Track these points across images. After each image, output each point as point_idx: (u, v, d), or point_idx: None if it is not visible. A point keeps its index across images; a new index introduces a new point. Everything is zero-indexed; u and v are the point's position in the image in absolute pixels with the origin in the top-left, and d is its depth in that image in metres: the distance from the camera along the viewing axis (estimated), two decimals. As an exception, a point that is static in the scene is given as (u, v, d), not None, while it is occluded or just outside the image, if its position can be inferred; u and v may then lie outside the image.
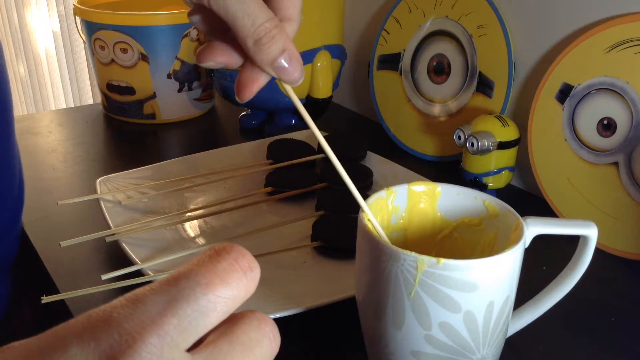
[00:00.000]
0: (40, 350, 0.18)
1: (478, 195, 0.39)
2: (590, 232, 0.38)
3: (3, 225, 0.57)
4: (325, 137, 0.73)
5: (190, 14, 0.33)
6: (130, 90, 0.86)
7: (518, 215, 0.37)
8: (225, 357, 0.19)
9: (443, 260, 0.30)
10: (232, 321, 0.21)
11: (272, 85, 0.77)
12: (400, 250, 0.32)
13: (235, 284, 0.20)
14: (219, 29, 0.33)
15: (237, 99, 0.34)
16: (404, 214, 0.41)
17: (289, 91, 0.33)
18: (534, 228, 0.36)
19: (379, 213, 0.39)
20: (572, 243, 0.64)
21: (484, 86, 0.73)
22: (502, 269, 0.32)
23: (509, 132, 0.66)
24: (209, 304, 0.19)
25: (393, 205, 0.40)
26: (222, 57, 0.33)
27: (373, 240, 0.33)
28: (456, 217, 0.41)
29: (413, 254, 0.31)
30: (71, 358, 0.17)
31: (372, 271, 0.34)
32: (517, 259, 0.34)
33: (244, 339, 0.20)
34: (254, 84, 0.33)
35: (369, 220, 0.36)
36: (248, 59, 0.32)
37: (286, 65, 0.31)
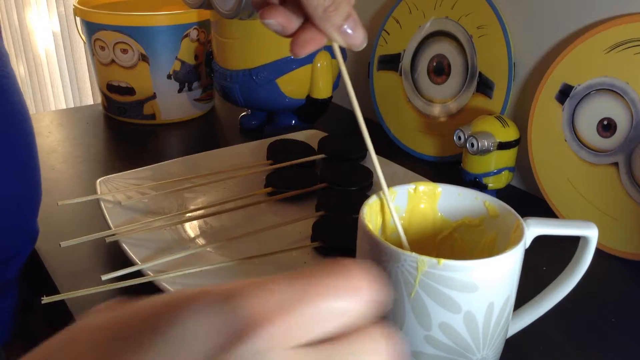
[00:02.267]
0: (154, 313, 0.18)
1: (478, 195, 0.39)
2: (591, 233, 0.38)
3: (23, 241, 0.57)
4: (325, 138, 0.73)
5: (262, 16, 0.34)
6: (130, 91, 0.86)
7: (518, 216, 0.37)
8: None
9: (443, 261, 0.30)
10: (355, 329, 0.20)
11: (272, 86, 0.78)
12: (400, 250, 0.31)
13: (364, 305, 0.19)
14: (291, 22, 0.35)
15: (291, 53, 0.36)
16: (404, 215, 0.41)
17: (341, 66, 0.37)
18: (535, 229, 0.36)
19: (379, 213, 0.39)
20: (573, 244, 0.64)
21: (484, 87, 0.73)
22: (503, 270, 0.32)
23: (509, 133, 0.66)
24: (334, 312, 0.19)
25: (394, 206, 0.40)
26: (283, 19, 0.35)
27: (373, 241, 0.33)
28: (456, 218, 0.41)
29: (413, 254, 0.31)
30: (187, 330, 0.17)
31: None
32: (517, 259, 0.34)
33: (356, 350, 0.19)
34: (312, 44, 0.35)
35: (369, 221, 0.36)
36: (309, 21, 0.34)
37: (350, 31, 0.34)
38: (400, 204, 0.40)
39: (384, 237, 0.39)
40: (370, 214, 0.38)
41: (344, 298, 0.19)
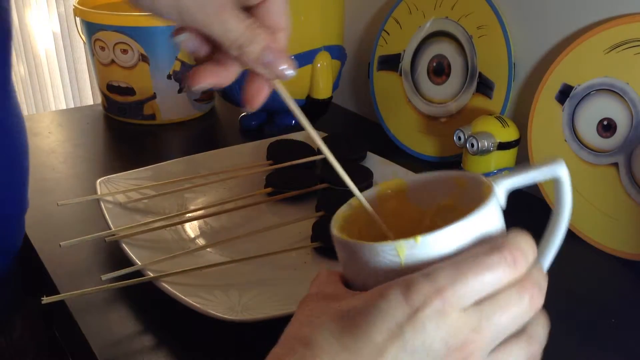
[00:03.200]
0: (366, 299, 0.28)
1: (442, 174, 0.38)
2: (561, 172, 0.35)
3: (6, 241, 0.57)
4: (325, 138, 0.73)
5: (175, 34, 0.34)
6: (130, 91, 0.86)
7: (486, 178, 0.35)
8: (485, 313, 0.27)
9: (420, 238, 0.29)
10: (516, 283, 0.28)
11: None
12: (375, 243, 0.30)
13: (498, 273, 0.27)
14: (204, 47, 0.34)
15: (246, 109, 0.36)
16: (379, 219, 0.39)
17: (282, 93, 0.34)
18: (504, 182, 0.35)
19: (355, 224, 0.37)
20: (573, 244, 0.64)
21: (484, 87, 0.73)
22: (480, 229, 0.30)
23: (509, 133, 0.66)
24: (478, 285, 0.27)
25: (364, 214, 0.38)
26: (212, 78, 0.35)
27: (347, 245, 0.32)
28: (430, 204, 0.39)
29: (388, 242, 0.30)
30: (391, 303, 0.27)
31: (360, 277, 0.32)
32: (492, 216, 0.31)
33: (502, 301, 0.27)
34: (259, 94, 0.36)
35: (340, 230, 0.34)
36: (251, 72, 0.35)
37: (272, 59, 0.34)
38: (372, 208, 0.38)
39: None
40: (342, 224, 0.36)
41: (495, 271, 0.27)
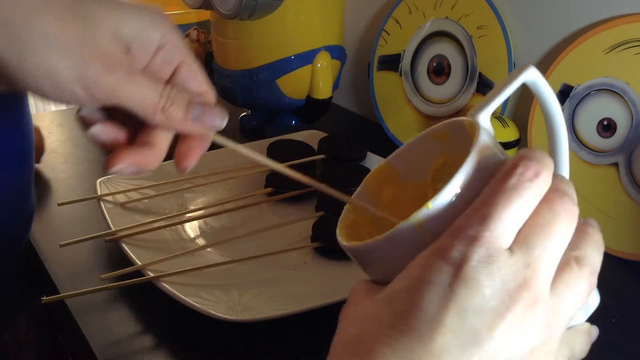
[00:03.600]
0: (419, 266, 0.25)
1: (421, 137, 0.35)
2: (532, 75, 0.32)
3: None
4: (325, 138, 0.73)
5: (85, 127, 0.31)
6: (130, 91, 0.86)
7: (464, 118, 0.32)
8: (530, 243, 0.25)
9: (430, 203, 0.27)
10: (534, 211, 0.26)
11: (272, 87, 0.78)
12: (390, 231, 0.28)
13: (526, 193, 0.25)
14: (120, 132, 0.32)
15: (179, 170, 0.34)
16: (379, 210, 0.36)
17: (222, 141, 0.33)
18: (483, 112, 0.32)
19: (361, 227, 0.35)
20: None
21: (484, 87, 0.73)
22: (483, 167, 0.28)
23: (509, 133, 0.66)
24: (511, 214, 0.25)
25: (365, 212, 0.35)
26: (134, 159, 0.32)
27: (364, 248, 0.29)
28: (425, 174, 0.36)
29: (403, 222, 0.27)
30: (431, 269, 0.25)
31: (390, 270, 0.29)
32: (487, 149, 0.29)
33: (542, 223, 0.25)
34: (193, 152, 0.34)
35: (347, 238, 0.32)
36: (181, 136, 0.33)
37: (200, 111, 0.32)
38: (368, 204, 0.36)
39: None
40: (348, 232, 0.33)
41: (515, 200, 0.25)
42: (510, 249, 0.25)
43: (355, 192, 0.35)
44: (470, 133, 0.31)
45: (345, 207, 0.34)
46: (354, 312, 0.28)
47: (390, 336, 0.24)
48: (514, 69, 0.33)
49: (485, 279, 0.24)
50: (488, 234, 0.24)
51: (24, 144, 0.55)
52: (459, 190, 0.27)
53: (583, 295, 0.27)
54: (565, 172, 0.33)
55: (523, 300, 0.24)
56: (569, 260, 0.26)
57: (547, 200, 0.26)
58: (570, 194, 0.27)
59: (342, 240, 0.31)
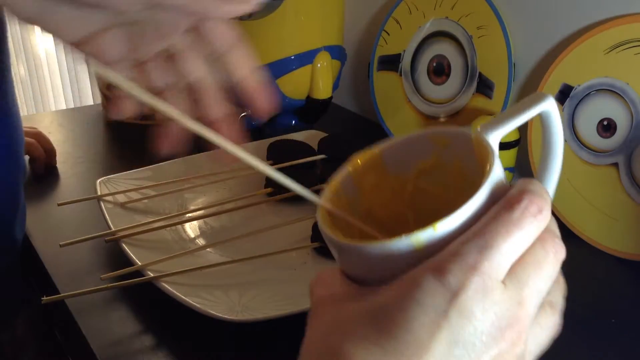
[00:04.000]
0: (399, 289, 0.25)
1: (420, 134, 0.35)
2: (547, 106, 0.33)
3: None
4: (325, 138, 0.73)
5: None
6: (130, 91, 0.86)
7: (470, 131, 0.32)
8: (521, 281, 0.25)
9: (438, 225, 0.26)
10: (527, 250, 0.26)
11: (272, 86, 0.77)
12: (387, 242, 0.27)
13: (527, 227, 0.25)
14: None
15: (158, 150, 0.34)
16: (359, 198, 0.35)
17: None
18: (494, 133, 0.32)
19: (339, 215, 0.34)
20: (573, 244, 0.64)
21: (484, 87, 0.73)
22: (491, 190, 0.28)
23: (509, 133, 0.65)
24: (510, 247, 0.25)
25: (345, 196, 0.35)
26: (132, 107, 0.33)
27: (353, 248, 0.28)
28: (410, 170, 0.36)
29: (403, 237, 0.27)
30: (426, 291, 0.24)
31: (373, 274, 0.29)
32: (498, 172, 0.29)
33: (531, 260, 0.25)
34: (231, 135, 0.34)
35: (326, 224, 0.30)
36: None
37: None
38: (349, 190, 0.35)
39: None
40: (331, 221, 0.32)
41: (516, 233, 0.25)
42: (504, 282, 0.25)
43: (341, 172, 0.34)
44: (476, 150, 0.32)
45: (325, 192, 0.33)
46: (334, 315, 0.27)
47: (374, 356, 0.24)
48: (533, 94, 0.33)
49: (479, 312, 0.24)
50: (487, 265, 0.24)
51: (9, 143, 0.55)
52: (466, 217, 0.27)
53: (550, 337, 0.28)
54: (552, 194, 0.34)
55: (510, 338, 0.24)
56: (544, 303, 0.27)
57: (541, 239, 0.26)
58: (559, 235, 0.27)
59: (327, 229, 0.30)
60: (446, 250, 0.25)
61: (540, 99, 0.33)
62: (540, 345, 0.27)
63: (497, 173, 0.29)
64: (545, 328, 0.27)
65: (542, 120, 0.34)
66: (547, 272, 0.26)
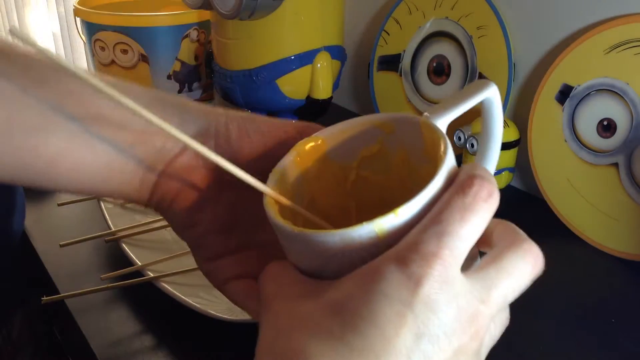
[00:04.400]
0: (362, 275, 0.24)
1: (364, 119, 0.33)
2: (492, 93, 0.33)
3: None
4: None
5: None
6: (130, 91, 0.86)
7: (417, 117, 0.31)
8: (492, 281, 0.24)
9: (399, 210, 0.25)
10: (502, 249, 0.26)
11: (272, 86, 0.78)
12: (348, 230, 0.25)
13: (481, 212, 0.25)
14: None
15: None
16: (303, 187, 0.34)
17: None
18: (441, 120, 0.31)
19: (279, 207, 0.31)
20: (573, 244, 0.64)
21: (484, 87, 0.73)
22: (446, 176, 0.27)
23: (509, 133, 0.66)
24: (467, 232, 0.24)
25: (290, 184, 0.32)
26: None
27: (308, 237, 0.26)
28: (353, 157, 0.34)
29: (365, 224, 0.25)
30: (390, 282, 0.23)
31: (329, 265, 0.27)
32: (452, 155, 0.28)
33: (508, 267, 0.25)
34: None
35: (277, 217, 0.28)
36: None
37: None
38: (294, 180, 0.33)
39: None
40: (278, 208, 0.30)
41: (471, 217, 0.25)
42: (468, 275, 0.24)
43: (285, 159, 0.32)
44: (425, 135, 0.31)
45: (270, 179, 0.31)
46: (290, 312, 0.25)
47: (341, 354, 0.23)
48: (475, 81, 0.34)
49: (443, 304, 0.23)
50: (448, 253, 0.24)
51: None
52: (426, 202, 0.26)
53: (502, 332, 0.27)
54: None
55: (470, 333, 0.24)
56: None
57: (525, 250, 0.26)
58: (540, 255, 0.26)
59: (276, 217, 0.28)
60: (406, 238, 0.24)
61: (485, 86, 0.33)
62: (493, 341, 0.26)
63: (451, 157, 0.28)
64: (499, 324, 0.26)
65: (484, 106, 0.34)
66: (521, 285, 0.25)
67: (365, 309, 0.23)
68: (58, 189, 0.31)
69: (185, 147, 0.32)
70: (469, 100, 0.32)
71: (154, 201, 0.33)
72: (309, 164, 0.33)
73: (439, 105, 0.32)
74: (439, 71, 0.77)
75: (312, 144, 0.33)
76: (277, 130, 0.33)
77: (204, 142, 0.29)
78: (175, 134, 0.28)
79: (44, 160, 0.30)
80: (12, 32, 0.24)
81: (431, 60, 0.78)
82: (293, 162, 0.32)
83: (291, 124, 0.34)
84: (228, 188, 0.33)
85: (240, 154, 0.33)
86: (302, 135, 0.33)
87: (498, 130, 0.36)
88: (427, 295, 0.23)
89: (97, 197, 0.60)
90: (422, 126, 0.31)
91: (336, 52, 0.81)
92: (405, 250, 0.24)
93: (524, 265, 0.25)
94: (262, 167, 0.31)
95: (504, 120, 0.66)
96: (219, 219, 0.33)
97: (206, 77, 0.90)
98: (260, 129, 0.33)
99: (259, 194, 0.30)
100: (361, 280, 0.24)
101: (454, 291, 0.23)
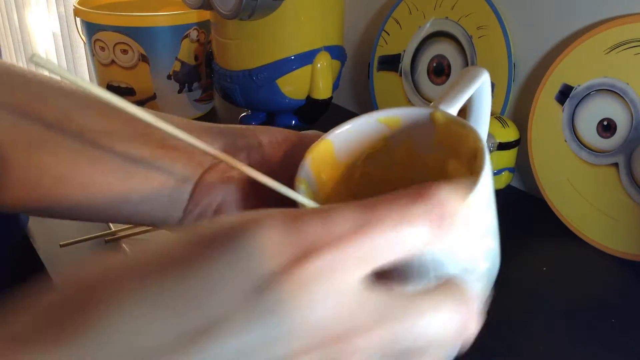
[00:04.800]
0: (223, 228, 0.18)
1: (370, 118, 0.33)
2: (486, 78, 0.34)
3: None
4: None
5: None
6: (130, 91, 0.86)
7: (426, 109, 0.30)
8: (398, 313, 0.19)
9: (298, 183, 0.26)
10: (440, 285, 0.20)
11: (272, 86, 0.78)
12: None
13: (424, 232, 0.19)
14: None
15: None
16: (318, 190, 0.33)
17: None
18: (451, 110, 0.31)
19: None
20: (573, 244, 0.64)
21: (484, 87, 0.73)
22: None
23: (509, 133, 0.66)
24: (389, 241, 0.19)
25: (309, 189, 0.32)
26: None
27: None
28: (360, 155, 0.34)
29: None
30: (257, 242, 0.17)
31: None
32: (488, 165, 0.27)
33: (427, 308, 0.19)
34: None
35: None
36: None
37: None
38: (311, 184, 0.32)
39: None
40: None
41: (411, 227, 0.19)
42: (368, 288, 0.19)
43: (304, 166, 0.31)
44: (438, 125, 0.31)
45: (298, 185, 0.30)
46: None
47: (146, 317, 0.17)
48: (468, 69, 0.35)
49: (319, 292, 0.17)
50: (352, 244, 0.18)
51: None
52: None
53: None
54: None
55: (327, 351, 0.18)
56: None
57: (461, 303, 0.20)
58: (480, 321, 0.21)
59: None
60: (320, 207, 0.20)
61: (479, 72, 0.34)
62: None
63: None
64: None
65: (476, 91, 0.35)
66: (435, 332, 0.19)
67: (208, 253, 0.17)
68: (69, 213, 0.29)
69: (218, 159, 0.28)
70: (469, 88, 0.33)
71: (190, 219, 0.30)
72: (321, 167, 0.33)
73: (443, 96, 0.32)
74: (439, 71, 0.77)
75: (323, 146, 0.33)
76: (288, 136, 0.33)
77: (235, 155, 0.28)
78: (207, 150, 0.25)
79: (51, 177, 0.28)
80: (35, 61, 0.21)
81: (431, 61, 0.78)
82: (311, 168, 0.32)
83: (290, 131, 0.34)
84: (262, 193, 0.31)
85: (272, 162, 0.32)
86: (302, 139, 0.33)
87: (487, 110, 0.36)
88: (305, 275, 0.17)
89: (111, 222, 0.58)
90: (436, 118, 0.31)
91: (336, 52, 0.81)
92: (309, 213, 0.19)
93: (449, 319, 0.20)
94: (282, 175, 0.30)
95: (504, 120, 0.66)
96: None
97: (206, 77, 0.90)
98: (276, 137, 0.33)
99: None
100: (238, 218, 0.19)
101: (337, 289, 0.18)
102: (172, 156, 0.30)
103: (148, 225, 0.31)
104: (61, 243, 0.53)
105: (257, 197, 0.31)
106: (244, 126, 0.33)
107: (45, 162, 0.27)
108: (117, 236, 0.54)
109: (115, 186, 0.28)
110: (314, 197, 0.32)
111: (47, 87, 0.29)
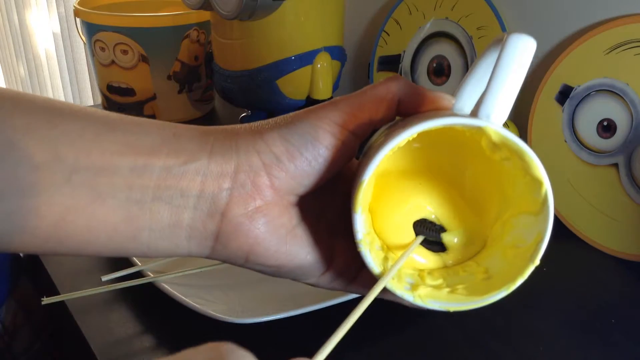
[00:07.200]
0: None
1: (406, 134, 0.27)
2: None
3: None
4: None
5: None
6: (130, 92, 0.86)
7: (474, 125, 0.27)
8: None
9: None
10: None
11: (272, 87, 0.78)
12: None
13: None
14: None
15: None
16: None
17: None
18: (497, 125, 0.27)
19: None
20: (573, 244, 0.64)
21: (484, 87, 0.73)
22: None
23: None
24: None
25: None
26: None
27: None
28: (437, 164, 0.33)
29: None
30: None
31: None
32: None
33: None
34: None
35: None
36: None
37: None
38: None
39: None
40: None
41: None
42: None
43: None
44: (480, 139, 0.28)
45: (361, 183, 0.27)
46: None
47: None
48: (496, 40, 0.29)
49: None
50: None
51: None
52: None
53: None
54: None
55: None
56: None
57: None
58: None
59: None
60: None
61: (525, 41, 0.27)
62: None
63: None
64: None
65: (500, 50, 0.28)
66: None
67: None
68: (73, 254, 0.27)
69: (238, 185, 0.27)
70: (520, 74, 0.28)
71: (220, 258, 0.29)
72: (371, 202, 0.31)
73: (483, 96, 0.27)
74: (439, 71, 0.77)
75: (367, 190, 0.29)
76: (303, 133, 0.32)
77: (254, 180, 0.27)
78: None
79: (49, 222, 0.25)
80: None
81: (431, 61, 0.78)
82: (365, 222, 0.29)
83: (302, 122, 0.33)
84: (301, 205, 0.29)
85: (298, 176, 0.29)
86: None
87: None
88: None
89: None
90: (485, 133, 0.27)
91: (336, 53, 0.81)
92: None
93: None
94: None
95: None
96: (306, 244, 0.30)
97: (206, 77, 0.90)
98: (293, 142, 0.32)
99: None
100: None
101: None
102: (182, 186, 0.26)
103: (170, 257, 0.29)
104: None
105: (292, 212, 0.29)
106: (249, 137, 0.28)
107: (42, 205, 0.25)
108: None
109: (121, 227, 0.26)
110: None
111: (33, 116, 0.25)
